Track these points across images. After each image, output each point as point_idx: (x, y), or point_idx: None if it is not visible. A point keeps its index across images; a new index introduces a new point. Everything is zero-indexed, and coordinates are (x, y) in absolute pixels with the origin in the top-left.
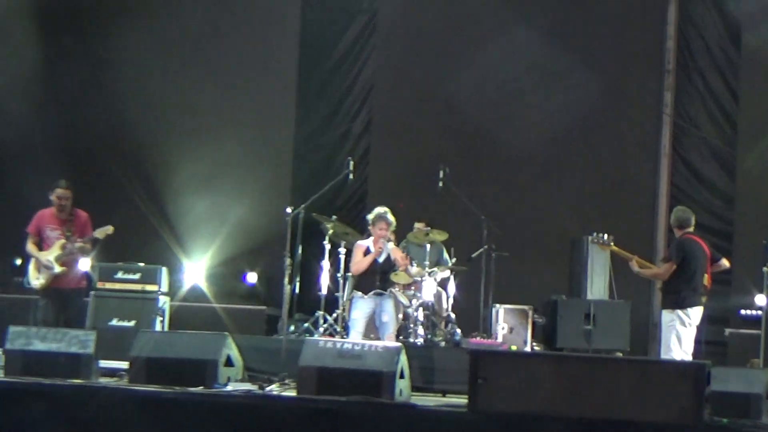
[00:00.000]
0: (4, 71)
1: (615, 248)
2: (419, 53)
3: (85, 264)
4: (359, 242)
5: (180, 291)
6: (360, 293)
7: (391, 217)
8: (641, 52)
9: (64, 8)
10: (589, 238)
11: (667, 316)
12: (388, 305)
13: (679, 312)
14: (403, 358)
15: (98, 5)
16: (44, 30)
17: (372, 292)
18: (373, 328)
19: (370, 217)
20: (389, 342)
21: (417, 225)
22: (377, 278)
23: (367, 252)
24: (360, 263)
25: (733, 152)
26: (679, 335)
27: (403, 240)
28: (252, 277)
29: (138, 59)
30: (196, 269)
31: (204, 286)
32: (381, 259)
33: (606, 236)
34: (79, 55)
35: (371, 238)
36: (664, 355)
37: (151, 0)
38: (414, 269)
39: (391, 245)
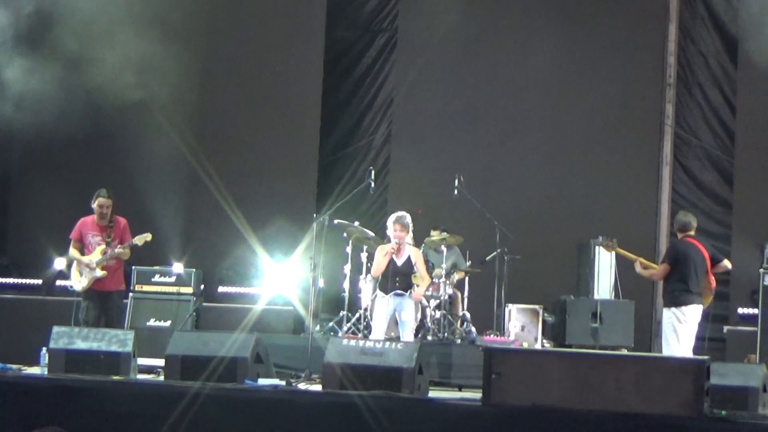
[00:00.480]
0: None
1: (620, 250)
2: (436, 69)
3: (59, 263)
4: (380, 246)
5: (263, 293)
6: (381, 293)
7: (406, 219)
8: (644, 68)
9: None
10: (595, 241)
11: (665, 313)
12: (408, 305)
13: (674, 310)
14: (421, 355)
15: (138, 26)
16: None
17: (392, 293)
18: (393, 326)
19: (388, 221)
20: (408, 340)
21: (433, 232)
22: (397, 279)
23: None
24: (377, 265)
25: (731, 161)
26: (676, 331)
27: (422, 246)
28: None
29: (173, 75)
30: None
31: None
32: (400, 262)
33: (611, 239)
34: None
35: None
36: (664, 350)
37: (187, 22)
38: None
39: (414, 250)
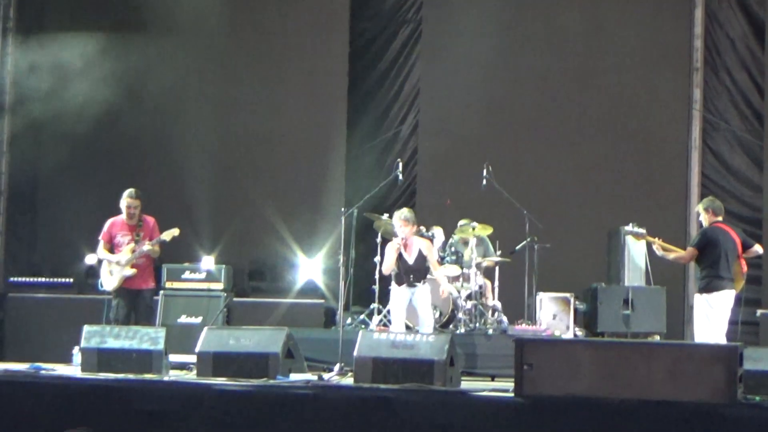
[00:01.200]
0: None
1: (648, 237)
2: (462, 59)
3: (90, 259)
4: (389, 244)
5: (294, 287)
6: (395, 284)
7: (407, 214)
8: (671, 52)
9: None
10: (625, 229)
11: (697, 300)
12: (422, 294)
13: (706, 296)
14: (453, 347)
15: (158, 26)
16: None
17: (405, 284)
18: (413, 317)
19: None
20: (426, 325)
21: (462, 222)
22: (409, 277)
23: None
24: (387, 262)
25: (760, 144)
26: (709, 317)
27: (450, 238)
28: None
29: (202, 69)
30: (311, 265)
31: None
32: (411, 259)
33: (639, 228)
34: (143, 69)
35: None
36: (696, 337)
37: (211, 16)
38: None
39: (424, 242)
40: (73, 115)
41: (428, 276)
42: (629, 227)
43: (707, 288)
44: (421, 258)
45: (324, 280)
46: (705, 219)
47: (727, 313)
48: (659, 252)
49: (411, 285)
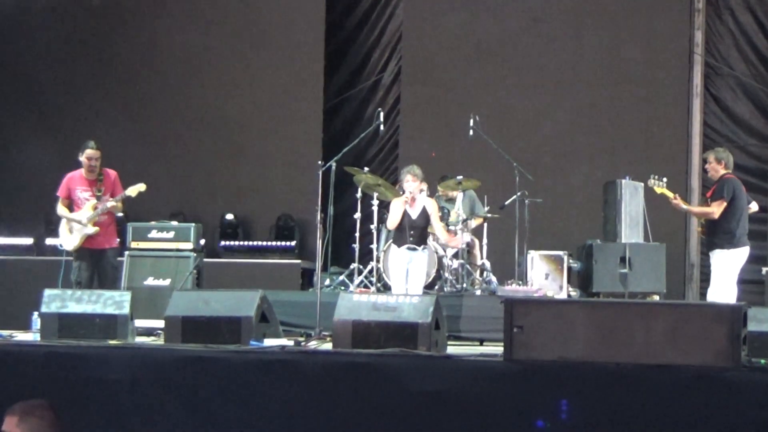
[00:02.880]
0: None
1: (666, 191)
2: (446, 1)
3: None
4: (395, 198)
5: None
6: (395, 246)
7: (417, 170)
8: None
9: None
10: (649, 181)
11: (719, 255)
12: (419, 258)
13: (733, 251)
14: (438, 309)
15: None
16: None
17: (404, 246)
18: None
19: (401, 174)
20: (421, 293)
21: (442, 185)
22: (410, 233)
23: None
24: (393, 217)
25: (765, 90)
26: (730, 274)
27: (435, 194)
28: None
29: (171, 18)
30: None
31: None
32: (414, 214)
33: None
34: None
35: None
36: (712, 296)
37: None
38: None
39: (430, 202)
40: (32, 61)
41: (427, 242)
42: (651, 181)
43: (735, 243)
44: (424, 216)
45: (300, 238)
46: (716, 170)
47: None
48: (683, 206)
49: (410, 248)
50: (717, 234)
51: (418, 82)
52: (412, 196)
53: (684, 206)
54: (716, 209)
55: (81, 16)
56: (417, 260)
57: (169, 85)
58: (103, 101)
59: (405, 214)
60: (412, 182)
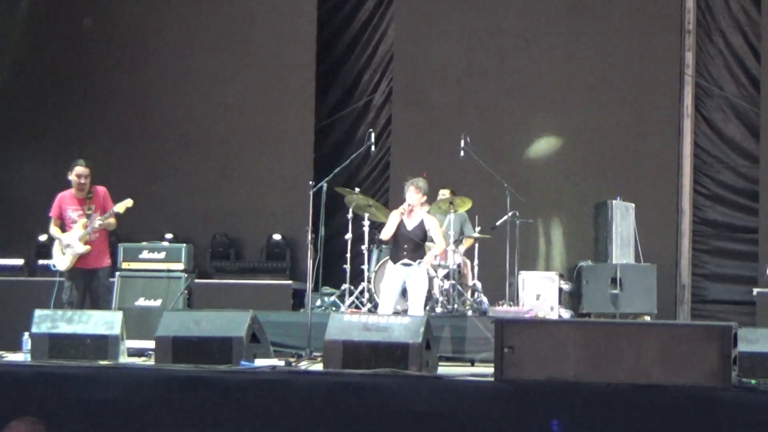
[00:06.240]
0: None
1: None
2: (438, 21)
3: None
4: (393, 210)
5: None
6: (390, 262)
7: (422, 183)
8: (661, 13)
9: None
10: None
11: None
12: (416, 274)
13: None
14: (429, 329)
15: None
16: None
17: (400, 262)
18: (402, 300)
19: (405, 186)
20: (417, 312)
21: (442, 191)
22: (407, 248)
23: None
24: (388, 226)
25: (756, 111)
26: None
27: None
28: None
29: (159, 34)
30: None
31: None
32: (410, 226)
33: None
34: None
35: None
36: None
37: None
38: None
39: (428, 217)
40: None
41: (424, 258)
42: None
43: None
44: (421, 229)
45: (291, 258)
46: None
47: None
48: None
49: (406, 264)
50: None
51: (410, 103)
52: (410, 207)
53: None
54: None
55: (71, 34)
56: (414, 276)
57: (160, 104)
58: (93, 121)
59: (401, 225)
60: (414, 194)
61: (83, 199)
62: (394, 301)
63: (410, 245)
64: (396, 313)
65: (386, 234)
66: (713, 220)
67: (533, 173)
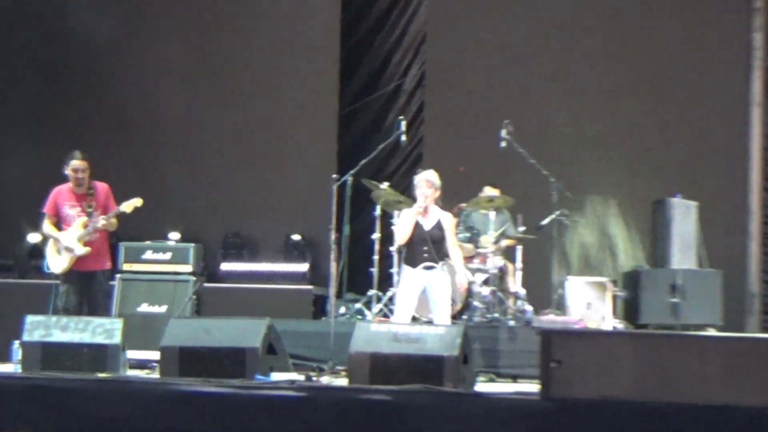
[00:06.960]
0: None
1: None
2: None
3: (33, 238)
4: (404, 210)
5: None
6: (408, 266)
7: (433, 177)
8: None
9: None
10: None
11: None
12: (439, 279)
13: None
14: (466, 341)
15: None
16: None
17: (421, 266)
18: (425, 308)
19: (414, 181)
20: (449, 323)
21: (487, 189)
22: (426, 248)
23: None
24: (402, 229)
25: None
26: None
27: (464, 210)
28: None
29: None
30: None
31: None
32: (428, 226)
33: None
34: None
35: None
36: None
37: None
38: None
39: (445, 215)
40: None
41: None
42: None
43: None
44: (439, 229)
45: (312, 260)
46: None
47: None
48: None
49: (428, 267)
50: None
51: (444, 88)
52: (425, 204)
53: None
54: None
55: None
56: (437, 282)
57: (165, 89)
58: (92, 108)
59: (417, 226)
60: (426, 188)
61: (82, 195)
62: (413, 310)
63: (429, 246)
64: (428, 322)
65: (403, 237)
66: None
67: (583, 167)
